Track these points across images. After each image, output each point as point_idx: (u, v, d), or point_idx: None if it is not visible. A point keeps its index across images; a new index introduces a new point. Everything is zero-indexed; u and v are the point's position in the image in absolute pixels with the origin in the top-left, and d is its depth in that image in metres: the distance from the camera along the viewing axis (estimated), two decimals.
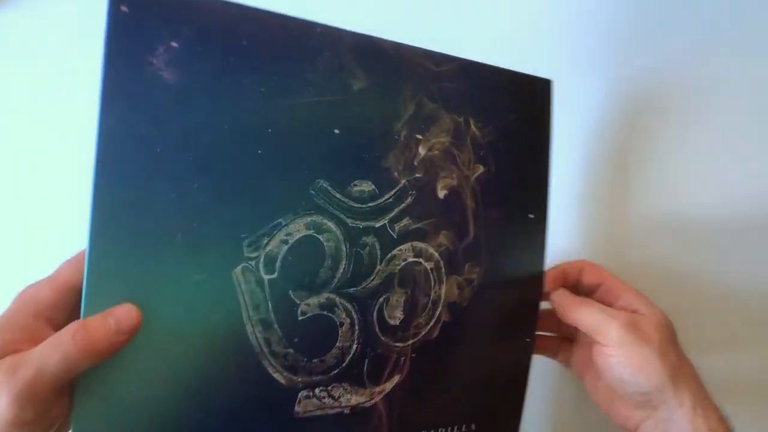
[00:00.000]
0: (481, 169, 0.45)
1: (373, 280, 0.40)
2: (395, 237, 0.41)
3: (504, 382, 0.48)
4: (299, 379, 0.38)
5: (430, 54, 0.42)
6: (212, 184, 0.35)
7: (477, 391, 0.46)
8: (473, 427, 0.46)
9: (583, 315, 0.43)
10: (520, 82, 0.46)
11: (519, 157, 0.46)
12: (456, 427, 0.45)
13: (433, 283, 0.43)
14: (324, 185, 0.38)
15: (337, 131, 0.39)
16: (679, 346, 0.43)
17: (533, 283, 0.48)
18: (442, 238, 0.43)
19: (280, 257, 0.37)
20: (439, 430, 0.45)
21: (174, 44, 0.33)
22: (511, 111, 0.46)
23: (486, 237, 0.45)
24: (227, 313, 0.36)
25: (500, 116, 0.45)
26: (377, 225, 0.40)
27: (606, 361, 0.42)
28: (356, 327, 0.40)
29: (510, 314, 0.47)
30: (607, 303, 0.45)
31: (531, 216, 0.47)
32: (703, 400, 0.40)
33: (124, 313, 0.33)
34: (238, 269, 0.36)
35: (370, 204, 0.40)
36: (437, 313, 0.43)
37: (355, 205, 0.40)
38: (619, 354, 0.41)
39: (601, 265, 0.49)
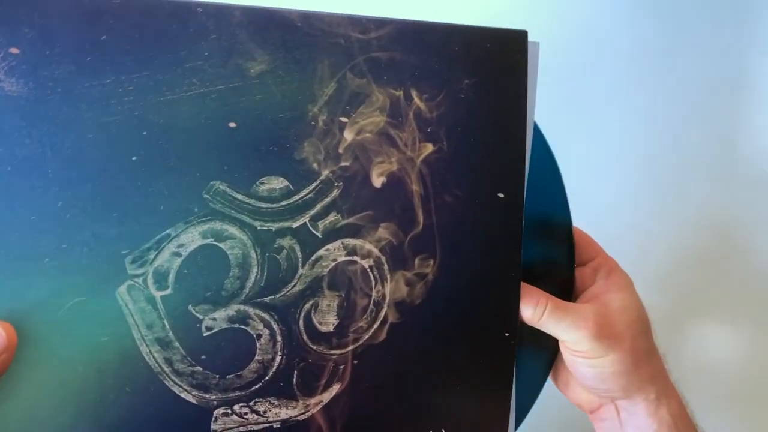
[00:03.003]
0: (429, 148, 0.37)
1: (295, 285, 0.35)
2: (320, 236, 0.35)
3: (482, 384, 0.41)
4: (213, 397, 0.34)
5: (354, 20, 0.35)
6: (79, 200, 0.30)
7: (446, 395, 0.40)
8: None
9: (545, 327, 0.38)
10: (481, 39, 0.37)
11: (482, 129, 0.38)
12: None
13: (373, 283, 0.37)
14: (221, 187, 0.33)
15: (232, 125, 0.32)
16: (650, 337, 0.39)
17: (508, 272, 0.40)
18: (383, 232, 0.36)
19: (173, 271, 0.32)
20: None
21: (13, 50, 0.28)
22: (468, 75, 0.37)
23: (440, 225, 0.37)
24: (117, 335, 0.32)
25: (453, 83, 0.37)
26: (295, 225, 0.34)
27: (573, 359, 0.38)
28: (278, 338, 0.35)
29: (481, 308, 0.40)
30: (590, 282, 0.41)
31: (501, 196, 0.39)
32: (667, 389, 0.39)
33: None
34: (123, 288, 0.31)
35: (284, 202, 0.34)
36: (381, 314, 0.37)
37: (264, 205, 0.34)
38: (589, 359, 0.37)
39: None
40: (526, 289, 0.39)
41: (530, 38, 0.39)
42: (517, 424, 0.42)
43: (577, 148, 0.45)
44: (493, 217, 0.38)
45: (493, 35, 0.38)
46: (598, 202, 0.56)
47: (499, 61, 0.38)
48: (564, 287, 0.42)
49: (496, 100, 0.38)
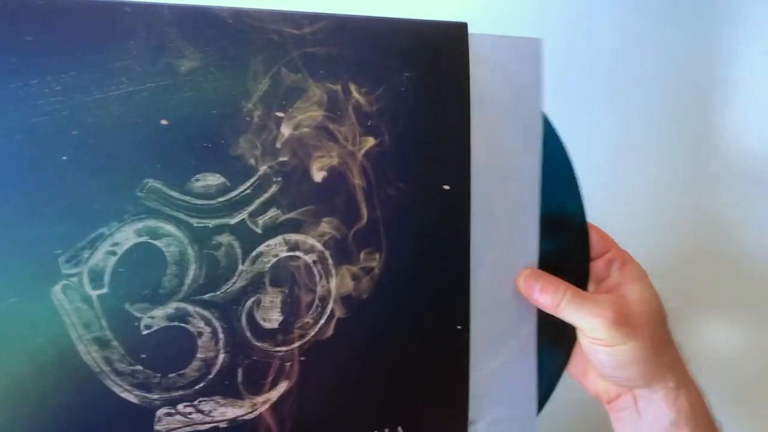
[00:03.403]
0: (371, 141, 0.37)
1: (235, 282, 0.35)
2: (260, 232, 0.35)
3: (437, 378, 0.40)
4: (155, 397, 0.34)
5: (288, 15, 0.35)
6: (9, 200, 0.30)
7: (401, 390, 0.39)
8: (400, 429, 0.39)
9: (564, 314, 0.39)
10: (420, 32, 0.37)
11: (423, 122, 0.38)
12: (377, 430, 0.39)
13: (318, 278, 0.36)
14: (154, 185, 0.32)
15: (164, 122, 0.32)
16: (667, 327, 0.39)
17: (457, 264, 0.39)
18: (325, 227, 0.36)
19: (108, 270, 0.32)
20: None
21: None
22: (408, 68, 0.37)
23: (385, 219, 0.37)
24: (53, 335, 0.32)
25: (393, 76, 0.37)
26: (233, 221, 0.34)
27: (592, 348, 0.38)
28: (220, 335, 0.34)
29: (431, 301, 0.39)
30: (604, 275, 0.41)
31: (446, 188, 0.39)
32: (685, 377, 0.39)
33: None
34: (57, 288, 0.31)
35: (220, 199, 0.34)
36: (328, 309, 0.37)
37: (200, 202, 0.33)
38: (608, 347, 0.37)
39: None
40: (545, 277, 0.39)
41: (533, 35, 0.39)
42: (537, 412, 0.43)
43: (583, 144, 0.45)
44: (439, 209, 0.38)
45: (433, 28, 0.37)
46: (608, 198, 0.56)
47: (439, 54, 0.38)
48: (580, 280, 0.42)
49: (437, 92, 0.38)
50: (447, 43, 0.38)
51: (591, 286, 0.43)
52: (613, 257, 0.41)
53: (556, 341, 0.43)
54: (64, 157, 0.30)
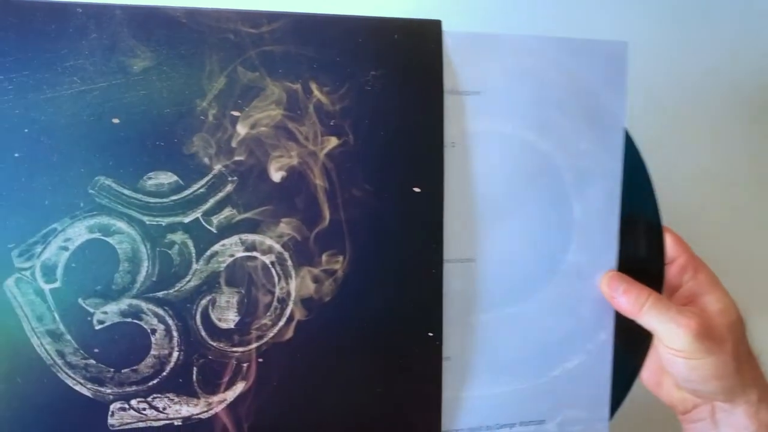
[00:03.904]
0: (333, 141, 0.36)
1: (189, 281, 0.35)
2: (214, 231, 0.35)
3: (406, 387, 0.39)
4: (108, 391, 0.34)
5: (244, 14, 0.34)
6: None
7: (365, 397, 0.38)
8: None
9: (646, 319, 0.38)
10: (388, 30, 0.36)
11: (393, 122, 0.37)
12: None
13: (276, 279, 0.36)
14: (106, 182, 0.33)
15: (116, 120, 0.33)
16: (747, 341, 0.38)
17: (429, 268, 0.38)
18: (284, 227, 0.36)
19: (61, 265, 0.33)
20: None
21: None
22: (375, 67, 0.36)
23: (349, 221, 0.36)
24: (6, 326, 0.33)
25: (358, 75, 0.36)
26: (186, 220, 0.34)
27: (671, 358, 0.37)
28: (174, 333, 0.35)
29: (399, 306, 0.38)
30: (676, 283, 0.40)
31: (416, 190, 0.37)
32: (766, 391, 0.37)
33: None
34: (11, 281, 0.32)
35: (173, 197, 0.34)
36: (287, 311, 0.36)
37: (152, 200, 0.34)
38: (689, 359, 0.36)
39: None
40: (629, 280, 0.39)
41: (616, 37, 0.39)
42: (609, 417, 0.42)
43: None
44: (410, 212, 0.37)
45: (403, 26, 0.36)
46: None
47: (409, 52, 0.36)
48: (655, 285, 0.41)
49: (407, 91, 0.36)
50: (419, 41, 0.37)
51: (663, 294, 0.41)
52: (685, 263, 0.40)
53: (630, 348, 0.42)
54: (16, 154, 0.31)
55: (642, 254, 0.41)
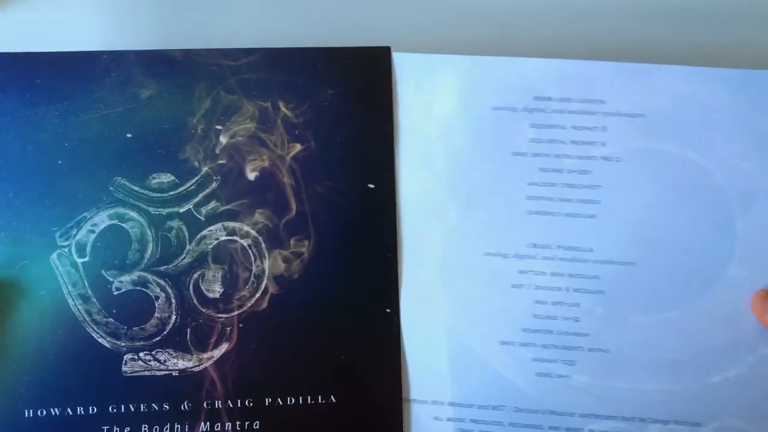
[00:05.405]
0: (298, 147, 0.45)
1: (184, 258, 0.45)
2: (203, 219, 0.45)
3: (370, 356, 0.46)
4: (123, 344, 0.44)
5: (226, 51, 0.45)
6: (24, 192, 0.44)
7: (332, 363, 0.45)
8: (333, 399, 0.45)
9: None
10: (344, 57, 0.44)
11: (348, 130, 0.45)
12: (309, 397, 0.45)
13: (253, 258, 0.45)
14: (122, 182, 0.44)
15: (129, 135, 0.44)
16: None
17: (384, 253, 0.45)
18: (259, 217, 0.45)
19: (89, 244, 0.44)
20: (288, 399, 0.45)
21: None
22: (332, 86, 0.45)
23: (312, 211, 0.45)
24: (51, 290, 0.44)
25: (317, 94, 0.45)
26: (181, 210, 0.45)
27: None
28: (172, 300, 0.44)
29: (359, 285, 0.45)
30: None
31: (371, 186, 0.45)
32: None
33: None
34: (54, 255, 0.44)
35: (171, 193, 0.45)
36: (262, 285, 0.45)
37: (156, 195, 0.44)
38: None
39: None
40: None
41: None
42: None
43: None
44: (366, 204, 0.44)
45: (356, 53, 0.45)
46: None
47: (362, 73, 0.45)
48: None
49: (360, 104, 0.45)
50: (371, 64, 0.45)
51: None
52: None
53: None
54: (60, 162, 0.43)
55: None
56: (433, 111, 0.45)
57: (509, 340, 0.42)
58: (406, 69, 0.45)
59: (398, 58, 0.44)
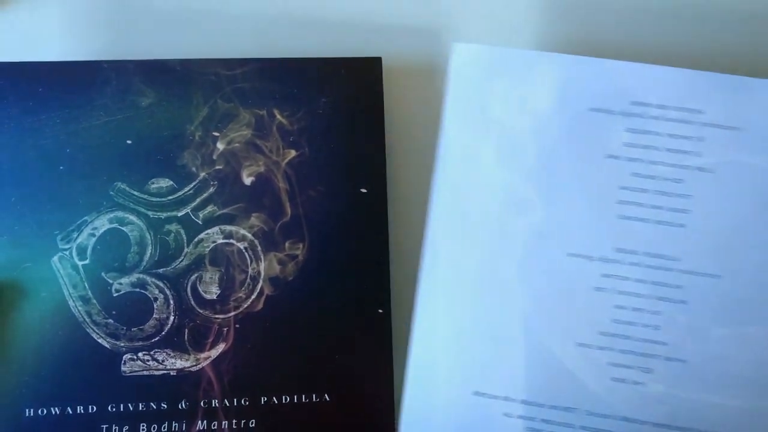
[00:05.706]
0: (292, 153, 0.47)
1: (182, 261, 0.46)
2: (200, 223, 0.46)
3: (364, 356, 0.47)
4: (122, 344, 0.46)
5: (223, 61, 0.47)
6: (27, 196, 0.45)
7: (327, 362, 0.46)
8: (327, 398, 0.47)
9: None
10: (336, 67, 0.46)
11: (341, 136, 0.47)
12: (304, 396, 0.47)
13: (249, 261, 0.46)
14: (122, 186, 0.46)
15: (129, 142, 0.46)
16: None
17: (376, 256, 0.46)
18: (255, 220, 0.46)
19: (90, 247, 0.45)
20: (283, 397, 0.47)
21: None
22: (325, 95, 0.47)
23: (307, 215, 0.47)
24: (52, 291, 0.45)
25: (311, 102, 0.47)
26: (180, 214, 0.46)
27: None
28: (170, 301, 0.46)
29: (352, 286, 0.47)
30: None
31: (363, 191, 0.47)
32: None
33: None
34: (56, 258, 0.45)
35: (170, 197, 0.46)
36: (258, 287, 0.46)
37: (155, 199, 0.46)
38: None
39: None
40: None
41: None
42: None
43: None
44: (358, 208, 0.46)
45: (348, 62, 0.47)
46: None
47: (354, 82, 0.46)
48: None
49: (352, 112, 0.46)
50: (362, 73, 0.47)
51: None
52: None
53: None
54: (61, 167, 0.44)
55: None
56: (526, 105, 0.43)
57: (587, 342, 0.40)
58: (497, 63, 0.44)
59: (487, 52, 0.43)
